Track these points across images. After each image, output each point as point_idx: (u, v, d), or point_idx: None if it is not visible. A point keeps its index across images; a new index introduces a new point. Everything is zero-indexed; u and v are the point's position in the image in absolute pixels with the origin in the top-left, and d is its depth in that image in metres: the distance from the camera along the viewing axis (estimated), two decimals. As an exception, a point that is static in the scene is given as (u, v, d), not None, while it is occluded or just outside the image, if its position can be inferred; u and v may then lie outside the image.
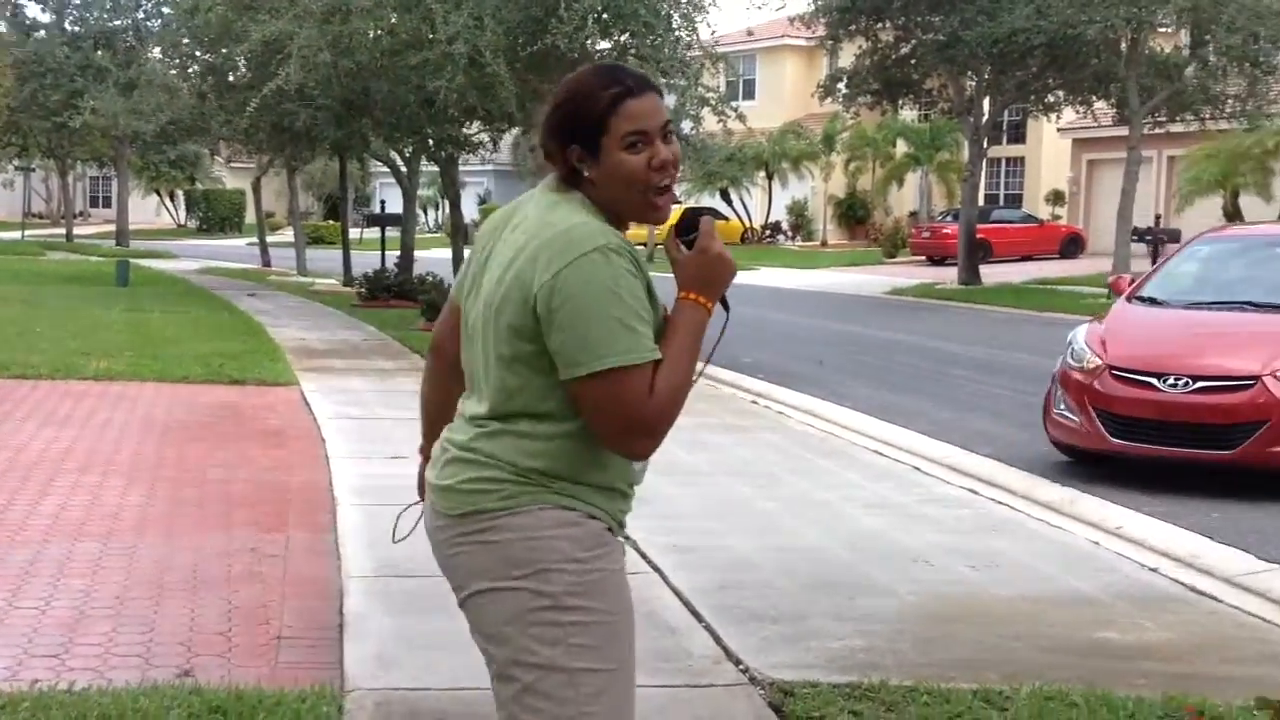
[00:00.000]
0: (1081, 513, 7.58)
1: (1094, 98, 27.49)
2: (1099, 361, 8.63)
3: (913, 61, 28.86)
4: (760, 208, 49.42)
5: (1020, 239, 36.96)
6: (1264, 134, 28.51)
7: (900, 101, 31.13)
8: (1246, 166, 29.38)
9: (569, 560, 2.42)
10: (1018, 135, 43.35)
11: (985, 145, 28.95)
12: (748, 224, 49.07)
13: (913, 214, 45.44)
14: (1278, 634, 5.47)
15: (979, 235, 30.32)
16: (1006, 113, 32.08)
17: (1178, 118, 25.97)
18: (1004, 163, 44.83)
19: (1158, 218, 25.16)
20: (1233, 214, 29.81)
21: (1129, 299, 9.60)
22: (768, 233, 49.29)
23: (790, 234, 49.49)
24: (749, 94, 50.09)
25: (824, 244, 46.77)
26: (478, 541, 2.47)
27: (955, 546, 6.68)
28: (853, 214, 48.39)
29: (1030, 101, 29.03)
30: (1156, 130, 26.74)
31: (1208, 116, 25.05)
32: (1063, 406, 8.84)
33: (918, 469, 8.86)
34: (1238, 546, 6.83)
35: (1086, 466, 8.87)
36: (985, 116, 28.15)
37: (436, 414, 2.74)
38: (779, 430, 10.39)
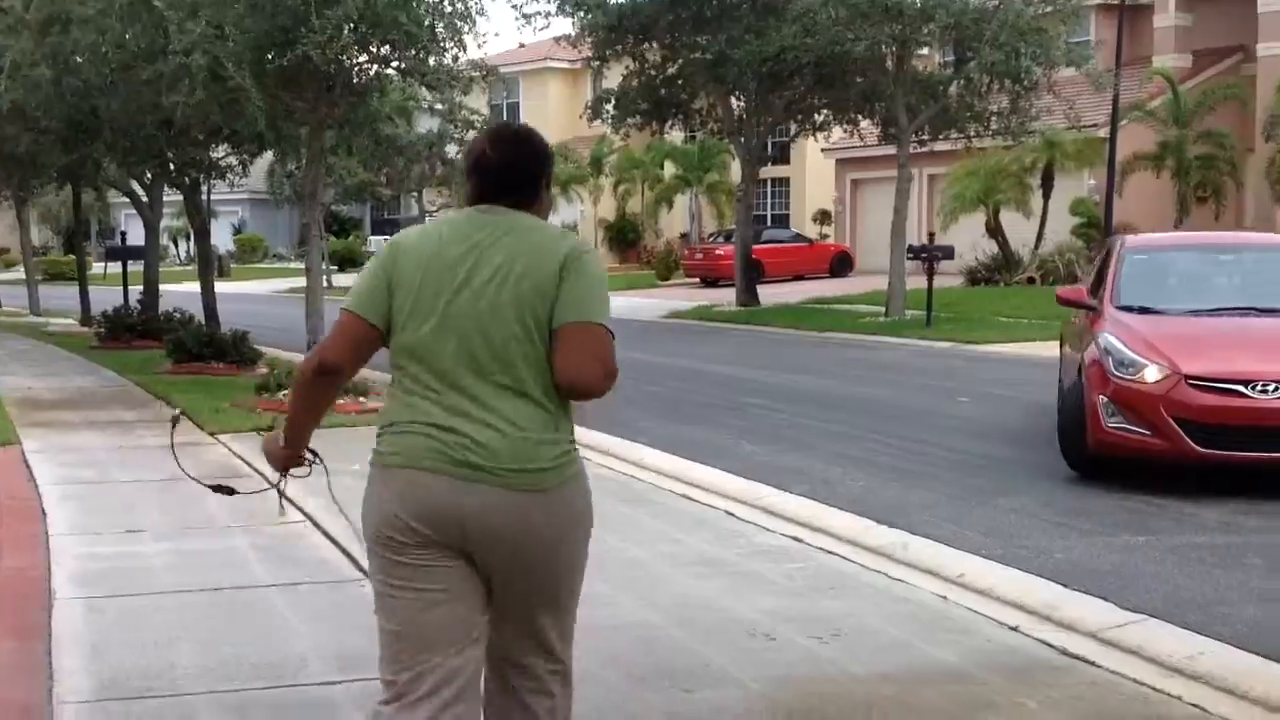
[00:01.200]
0: (916, 559, 6.85)
1: (860, 116, 27.55)
2: (1168, 372, 8.44)
3: (680, 81, 28.46)
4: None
5: (792, 258, 37.07)
6: (1022, 151, 29.16)
7: (669, 122, 30.70)
8: (1007, 183, 30.02)
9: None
10: (783, 156, 43.73)
11: (757, 165, 28.76)
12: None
13: (683, 236, 45.29)
14: (1167, 702, 4.78)
15: (752, 256, 30.09)
16: (774, 133, 32.05)
17: (941, 135, 26.19)
18: (770, 183, 45.15)
19: (931, 235, 25.24)
20: (996, 229, 30.40)
21: (1119, 309, 9.49)
22: (538, 258, 48.29)
23: (560, 259, 48.60)
24: (513, 116, 49.35)
25: (596, 268, 46.05)
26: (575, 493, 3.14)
27: (793, 612, 5.83)
28: (623, 237, 47.98)
29: (799, 121, 28.96)
30: (920, 149, 26.94)
31: (973, 134, 25.30)
32: (1122, 420, 8.56)
33: (732, 514, 8.03)
34: (1094, 592, 6.18)
35: (892, 496, 8.20)
36: (756, 136, 27.94)
37: (315, 422, 3.29)
38: (574, 475, 9.42)
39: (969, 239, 29.27)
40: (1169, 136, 30.38)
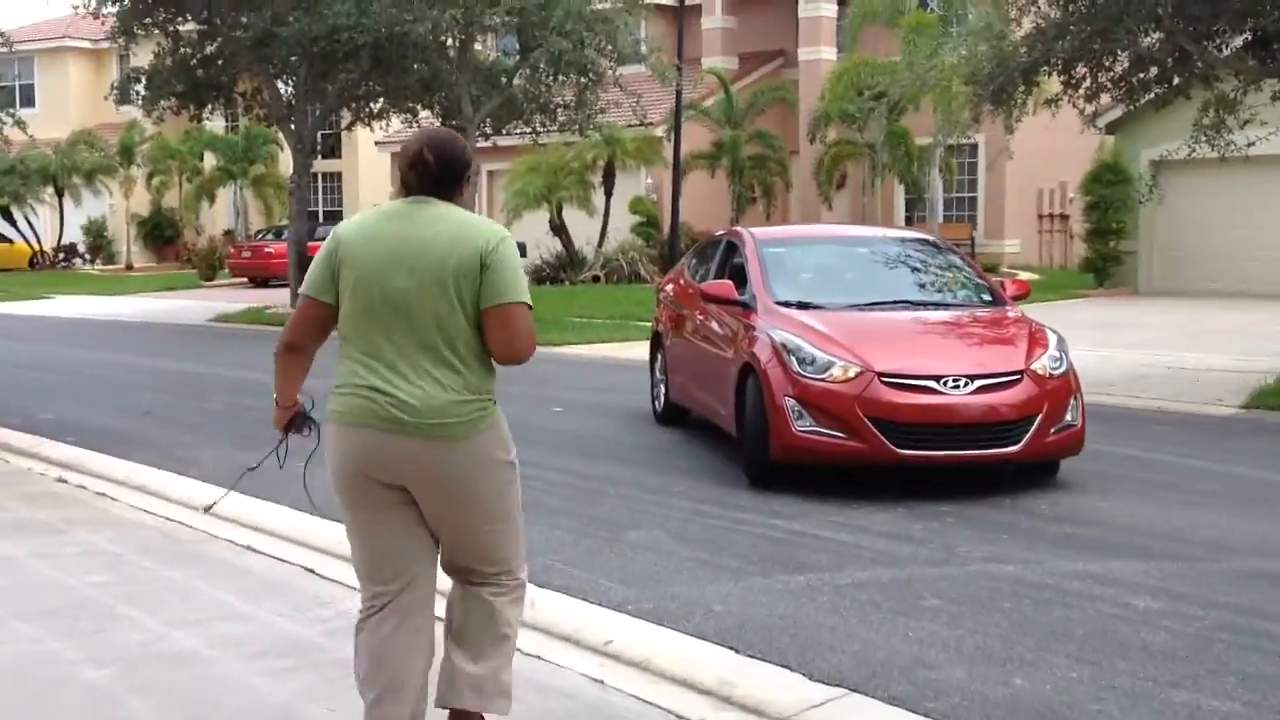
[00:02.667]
0: (550, 621, 5.54)
1: (420, 106, 25.96)
2: (861, 369, 7.83)
3: (220, 62, 25.91)
4: (51, 228, 43.72)
5: (348, 256, 35.05)
6: (583, 147, 28.65)
7: (209, 107, 27.94)
8: (569, 180, 29.43)
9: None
10: (336, 149, 41.58)
11: (310, 156, 26.58)
12: (37, 247, 43.23)
13: (228, 232, 42.16)
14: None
15: (307, 254, 27.89)
16: (329, 125, 29.94)
17: (505, 129, 25.10)
18: (322, 177, 42.84)
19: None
20: (559, 227, 29.79)
21: (780, 304, 8.81)
22: (62, 256, 43.71)
23: (88, 257, 44.23)
24: (28, 100, 44.49)
25: (129, 267, 42.15)
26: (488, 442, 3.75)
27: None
28: (160, 234, 44.12)
29: (353, 109, 26.99)
30: (485, 143, 25.77)
31: (540, 127, 24.37)
32: (810, 422, 7.88)
33: (312, 571, 6.47)
34: (771, 657, 5.09)
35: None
36: (308, 124, 25.80)
37: (298, 382, 3.99)
38: (104, 525, 7.51)
39: (533, 237, 28.44)
40: (723, 136, 30.85)
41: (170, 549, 6.94)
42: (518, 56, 23.79)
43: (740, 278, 9.38)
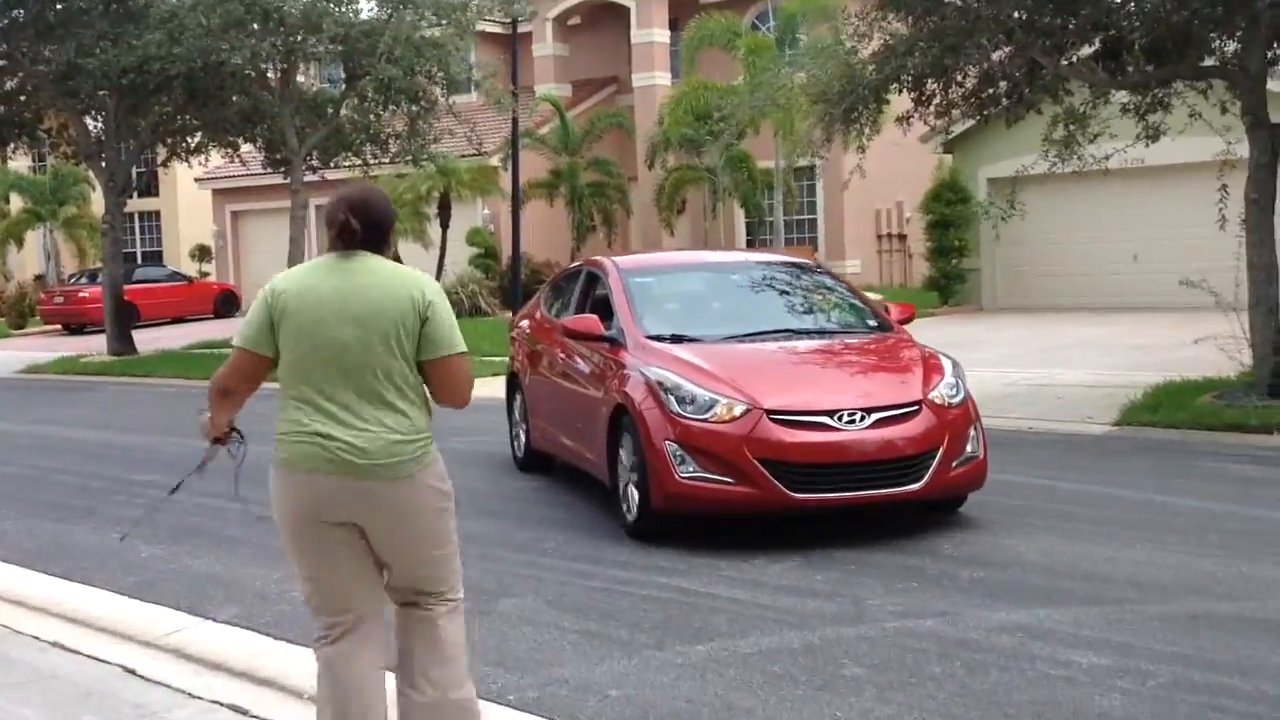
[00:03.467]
0: None
1: (241, 140, 24.64)
2: (747, 407, 7.11)
3: (23, 98, 24.32)
4: None
5: (170, 299, 33.38)
6: (417, 178, 27.70)
7: (12, 146, 26.21)
8: (403, 213, 28.39)
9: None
10: (152, 187, 39.73)
11: (124, 194, 25.02)
12: None
13: (39, 277, 39.89)
14: None
15: (125, 298, 26.28)
16: (144, 162, 28.38)
17: (333, 162, 23.95)
18: (139, 217, 40.90)
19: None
20: (395, 260, 28.68)
21: (651, 339, 8.01)
22: None
23: (-116, 309, 41.39)
24: None
25: (-73, 318, 39.56)
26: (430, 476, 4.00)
27: None
28: (-38, 281, 41.60)
29: (168, 144, 25.53)
30: (313, 176, 24.57)
31: (371, 159, 23.30)
32: (694, 466, 7.13)
33: (134, 672, 5.54)
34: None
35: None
36: (120, 161, 24.31)
37: (231, 415, 4.13)
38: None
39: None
40: (561, 164, 30.21)
41: (-39, 653, 5.91)
42: (344, 85, 22.77)
43: (605, 311, 8.64)
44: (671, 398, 7.35)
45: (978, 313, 23.87)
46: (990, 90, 13.66)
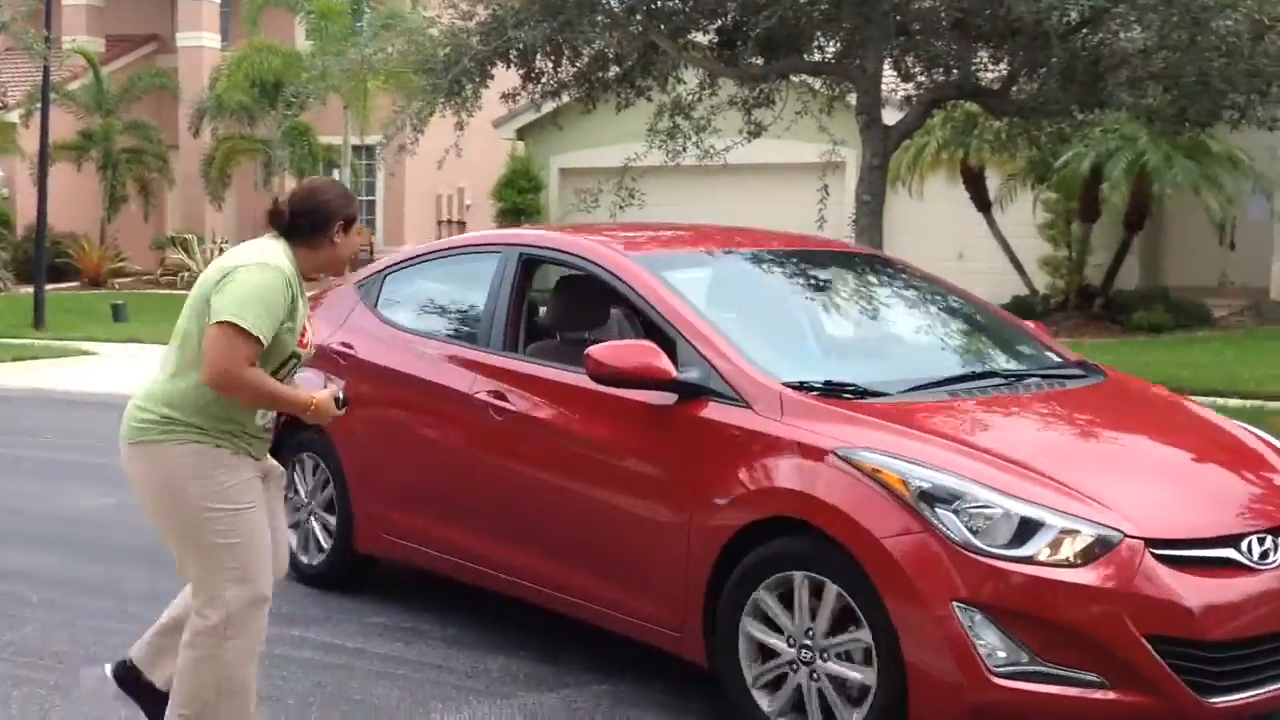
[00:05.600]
0: None
1: None
2: (1107, 532, 3.93)
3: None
4: None
5: None
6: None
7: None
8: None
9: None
10: None
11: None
12: None
13: None
14: None
15: None
16: None
17: None
18: None
19: None
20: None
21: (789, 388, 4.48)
22: None
23: None
24: None
25: None
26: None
27: None
28: None
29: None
30: None
31: None
32: (1026, 656, 3.86)
33: None
34: None
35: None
36: None
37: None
38: None
39: None
40: (93, 126, 27.23)
41: None
42: None
43: (637, 335, 5.30)
44: (953, 516, 3.95)
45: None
46: (601, 73, 13.09)
